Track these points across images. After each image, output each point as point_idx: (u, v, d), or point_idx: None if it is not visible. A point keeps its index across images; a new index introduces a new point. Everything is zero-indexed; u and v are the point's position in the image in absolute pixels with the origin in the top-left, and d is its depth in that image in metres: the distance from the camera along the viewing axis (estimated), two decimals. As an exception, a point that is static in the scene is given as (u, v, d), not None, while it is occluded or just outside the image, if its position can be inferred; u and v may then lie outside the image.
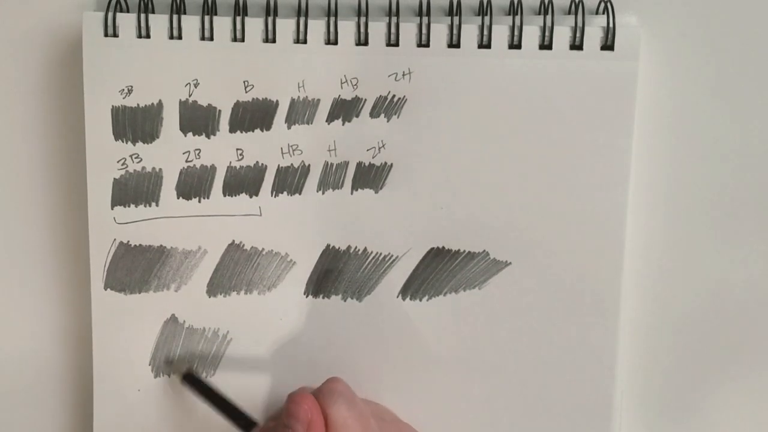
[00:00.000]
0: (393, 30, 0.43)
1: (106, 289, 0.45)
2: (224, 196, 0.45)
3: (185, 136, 0.45)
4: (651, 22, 0.45)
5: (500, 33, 0.43)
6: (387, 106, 0.44)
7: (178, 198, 0.45)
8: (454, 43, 0.43)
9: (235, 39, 0.44)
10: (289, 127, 0.44)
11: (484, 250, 0.45)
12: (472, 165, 0.44)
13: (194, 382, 0.45)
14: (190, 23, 0.44)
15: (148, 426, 0.46)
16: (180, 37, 0.44)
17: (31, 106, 0.47)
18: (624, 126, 0.43)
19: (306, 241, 0.45)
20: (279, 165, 0.45)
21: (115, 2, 0.44)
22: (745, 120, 0.45)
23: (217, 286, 0.45)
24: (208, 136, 0.45)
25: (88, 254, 0.45)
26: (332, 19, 0.43)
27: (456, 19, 0.43)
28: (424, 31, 0.43)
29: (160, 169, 0.45)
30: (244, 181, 0.45)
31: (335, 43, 0.44)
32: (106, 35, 0.44)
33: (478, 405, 0.45)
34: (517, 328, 0.45)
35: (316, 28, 0.43)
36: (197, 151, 0.45)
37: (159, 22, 0.44)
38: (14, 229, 0.47)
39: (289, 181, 0.45)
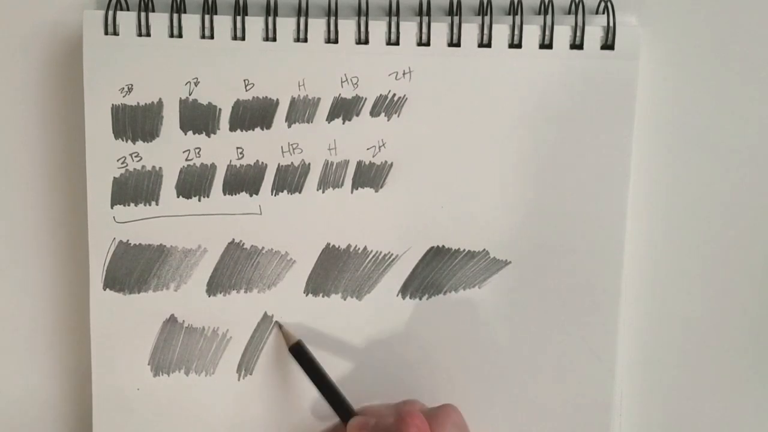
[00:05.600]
0: (393, 29, 0.44)
1: (105, 290, 0.45)
2: (224, 194, 0.45)
3: (185, 134, 0.45)
4: (651, 22, 0.45)
5: (500, 32, 0.43)
6: (387, 105, 0.44)
7: (178, 197, 0.45)
8: (454, 43, 0.43)
9: (235, 38, 0.44)
10: (289, 126, 0.44)
11: (484, 249, 0.45)
12: (472, 164, 0.44)
13: (301, 354, 0.44)
14: (191, 22, 0.44)
15: (147, 425, 0.46)
16: (180, 36, 0.44)
17: (31, 105, 0.47)
18: (624, 126, 0.43)
19: (306, 239, 0.45)
20: (279, 164, 0.45)
21: (115, 1, 0.44)
22: (745, 120, 0.45)
23: (216, 285, 0.45)
24: (208, 135, 0.45)
25: (88, 253, 0.45)
26: (332, 18, 0.43)
27: (456, 19, 0.43)
28: (424, 30, 0.43)
29: (160, 168, 0.45)
30: (244, 180, 0.45)
31: (335, 42, 0.44)
32: (106, 33, 0.44)
33: (478, 404, 0.45)
34: (517, 327, 0.45)
35: (317, 27, 0.43)
36: (197, 150, 0.45)
37: (159, 20, 0.44)
38: (13, 228, 0.47)
39: (290, 179, 0.45)
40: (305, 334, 0.45)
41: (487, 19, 0.43)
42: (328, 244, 0.45)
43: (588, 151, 0.44)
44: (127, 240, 0.45)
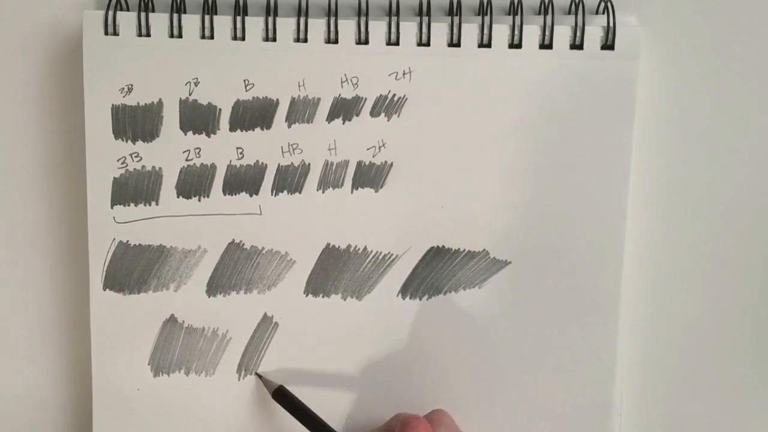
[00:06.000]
0: (393, 29, 0.44)
1: (105, 290, 0.45)
2: (224, 195, 0.45)
3: (185, 134, 0.45)
4: (651, 22, 0.45)
5: (500, 32, 0.43)
6: (387, 105, 0.44)
7: (178, 197, 0.45)
8: (454, 43, 0.43)
9: (235, 38, 0.44)
10: (289, 126, 0.44)
11: (484, 249, 0.45)
12: (472, 164, 0.44)
13: (285, 398, 0.44)
14: (191, 22, 0.44)
15: (147, 425, 0.46)
16: (180, 36, 0.44)
17: (31, 106, 0.47)
18: (624, 126, 0.43)
19: (306, 240, 0.45)
20: (279, 164, 0.45)
21: (115, 1, 0.44)
22: (745, 120, 0.45)
23: (216, 285, 0.45)
24: (208, 135, 0.45)
25: (88, 253, 0.45)
26: (332, 18, 0.43)
27: (456, 19, 0.43)
28: (424, 30, 0.43)
29: (160, 168, 0.45)
30: (244, 180, 0.45)
31: (335, 42, 0.44)
32: (106, 34, 0.44)
33: (478, 404, 0.45)
34: (517, 327, 0.45)
35: (317, 27, 0.43)
36: (197, 150, 0.45)
37: (159, 20, 0.44)
38: (13, 228, 0.47)
39: (290, 179, 0.45)
40: (305, 335, 0.45)
41: (487, 19, 0.43)
42: (328, 244, 0.45)
43: (588, 151, 0.44)
44: (127, 240, 0.45)
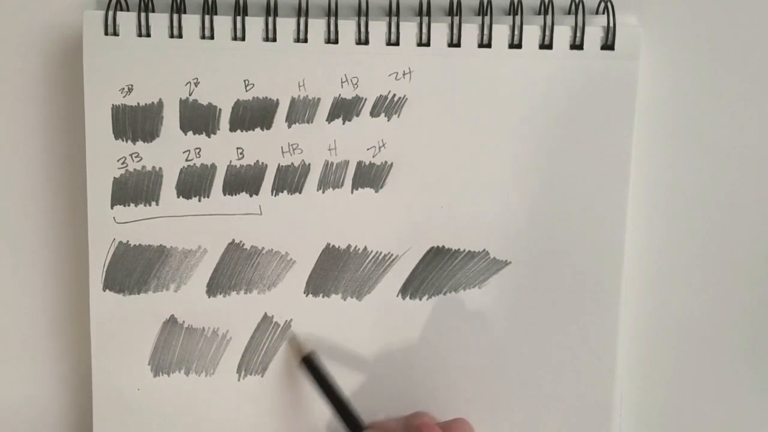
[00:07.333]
0: (393, 29, 0.44)
1: (105, 290, 0.45)
2: (224, 195, 0.45)
3: (185, 135, 0.45)
4: (651, 22, 0.45)
5: (500, 33, 0.43)
6: (387, 106, 0.44)
7: (178, 197, 0.45)
8: (454, 43, 0.43)
9: (235, 38, 0.44)
10: (289, 126, 0.44)
11: (484, 250, 0.45)
12: (472, 164, 0.44)
13: (312, 367, 0.44)
14: (191, 22, 0.44)
15: (147, 425, 0.46)
16: (180, 36, 0.44)
17: (31, 106, 0.47)
18: (624, 126, 0.43)
19: (306, 240, 0.45)
20: (279, 164, 0.45)
21: (115, 1, 0.44)
22: (744, 120, 0.45)
23: (216, 285, 0.45)
24: (208, 135, 0.45)
25: (88, 254, 0.45)
26: (332, 18, 0.43)
27: (456, 19, 0.43)
28: (424, 30, 0.43)
29: (160, 168, 0.45)
30: (244, 180, 0.45)
31: (336, 42, 0.44)
32: (106, 34, 0.44)
33: (478, 405, 0.45)
34: (517, 327, 0.45)
35: (317, 27, 0.43)
36: (197, 150, 0.45)
37: (159, 20, 0.44)
38: (13, 228, 0.47)
39: (290, 180, 0.45)
40: (304, 335, 0.45)
41: (487, 19, 0.43)
42: (328, 244, 0.45)
43: (588, 151, 0.44)
44: (127, 240, 0.45)
